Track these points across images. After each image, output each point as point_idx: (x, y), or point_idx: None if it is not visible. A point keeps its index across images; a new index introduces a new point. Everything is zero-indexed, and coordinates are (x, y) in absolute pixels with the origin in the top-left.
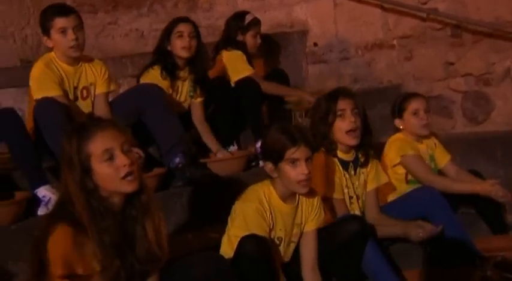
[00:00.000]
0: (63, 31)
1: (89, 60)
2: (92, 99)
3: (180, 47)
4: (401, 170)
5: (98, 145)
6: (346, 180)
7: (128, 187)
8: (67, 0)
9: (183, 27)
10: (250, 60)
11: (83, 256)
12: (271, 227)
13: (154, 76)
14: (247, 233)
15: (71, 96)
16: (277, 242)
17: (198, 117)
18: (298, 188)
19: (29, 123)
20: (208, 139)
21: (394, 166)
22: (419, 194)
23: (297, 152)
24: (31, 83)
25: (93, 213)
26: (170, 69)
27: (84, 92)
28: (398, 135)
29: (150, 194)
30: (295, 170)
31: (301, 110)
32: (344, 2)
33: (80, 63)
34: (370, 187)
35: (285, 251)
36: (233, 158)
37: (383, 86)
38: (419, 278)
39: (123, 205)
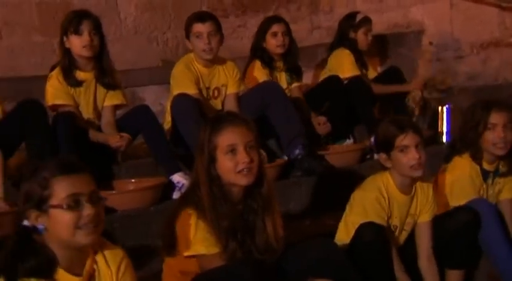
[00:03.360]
0: (199, 36)
1: (223, 62)
2: (222, 99)
3: (275, 45)
4: None
5: (225, 138)
6: (482, 190)
7: (242, 180)
8: (203, 5)
9: (276, 28)
10: (361, 58)
11: (204, 238)
12: (389, 215)
13: (256, 69)
14: (365, 220)
15: (205, 95)
16: (393, 229)
17: (298, 99)
18: (411, 172)
19: (167, 116)
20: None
21: None
22: None
23: (405, 139)
24: (171, 80)
25: (214, 198)
26: (267, 61)
27: (216, 92)
28: None
29: (271, 189)
30: (406, 157)
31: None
32: (460, 2)
33: (214, 66)
34: (506, 196)
35: (398, 238)
36: (349, 150)
37: (498, 84)
38: None
39: (243, 196)
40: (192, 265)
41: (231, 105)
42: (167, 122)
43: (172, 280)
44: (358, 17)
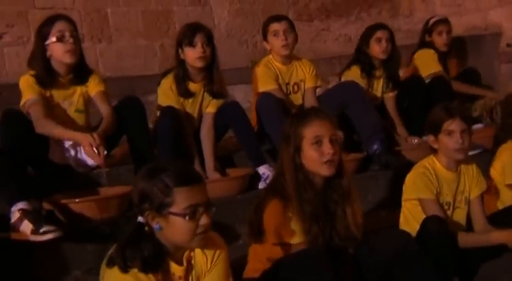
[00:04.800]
0: (276, 34)
1: (299, 59)
2: (302, 93)
3: (379, 51)
4: None
5: (312, 130)
6: None
7: (326, 171)
8: (289, 11)
9: (381, 34)
10: (443, 58)
11: (290, 226)
12: (438, 191)
13: (353, 74)
14: (418, 195)
15: (285, 91)
16: (446, 207)
17: (391, 109)
18: (455, 155)
19: (253, 112)
20: (400, 126)
21: None
22: None
23: (452, 124)
24: (254, 81)
25: (298, 185)
26: (367, 69)
27: (295, 87)
28: None
29: (350, 181)
30: (451, 140)
31: (484, 110)
32: None
33: (292, 62)
34: None
35: (454, 216)
36: (424, 147)
37: None
38: None
39: (325, 186)
40: (279, 252)
41: (310, 99)
42: (253, 119)
43: (258, 265)
44: (431, 21)
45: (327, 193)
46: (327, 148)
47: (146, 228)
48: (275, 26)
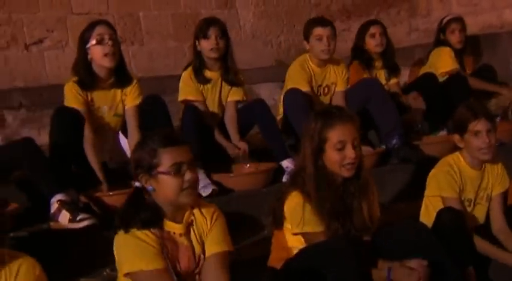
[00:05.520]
0: (319, 38)
1: (336, 62)
2: (331, 95)
3: (374, 44)
4: None
5: (337, 134)
6: None
7: (346, 173)
8: (312, 13)
9: (374, 29)
10: (458, 56)
11: (310, 218)
12: (461, 188)
13: (356, 69)
14: (440, 193)
15: (315, 92)
16: (467, 203)
17: (396, 94)
18: (480, 155)
19: (280, 108)
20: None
21: None
22: None
23: (478, 125)
24: (287, 77)
25: (318, 183)
26: (366, 62)
27: (326, 89)
28: None
29: (367, 177)
30: (478, 140)
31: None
32: None
33: (327, 66)
34: None
35: (474, 212)
36: (442, 141)
37: None
38: None
39: (343, 181)
40: (299, 240)
41: (338, 102)
42: (279, 114)
43: (280, 252)
44: (445, 20)
45: (345, 187)
46: (350, 153)
47: (144, 194)
48: (319, 31)
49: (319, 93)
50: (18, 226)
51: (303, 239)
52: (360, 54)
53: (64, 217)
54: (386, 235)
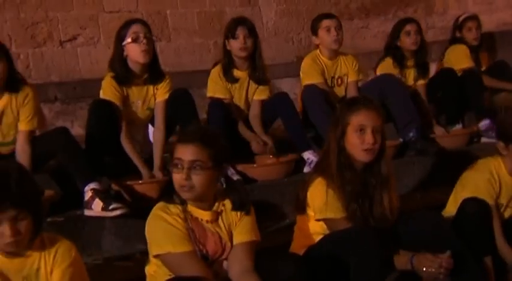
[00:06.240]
0: (328, 29)
1: (344, 55)
2: (345, 86)
3: (410, 43)
4: None
5: (358, 118)
6: None
7: (364, 157)
8: (331, 10)
9: (410, 27)
10: (474, 52)
11: (333, 205)
12: (497, 195)
13: (387, 66)
14: (477, 196)
15: (329, 84)
16: (499, 207)
17: (420, 96)
18: None
19: (299, 103)
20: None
21: None
22: None
23: None
24: (301, 73)
25: (340, 165)
26: (399, 60)
27: (339, 80)
28: None
29: (389, 168)
30: None
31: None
32: None
33: (337, 58)
34: None
35: (503, 215)
36: (458, 134)
37: None
38: None
39: (364, 169)
40: (321, 227)
41: (352, 91)
42: (299, 107)
43: (302, 239)
44: (461, 18)
45: (366, 176)
46: (369, 138)
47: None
48: (327, 22)
49: (333, 85)
50: (53, 213)
51: (325, 226)
52: (393, 52)
53: (97, 205)
54: (406, 226)
